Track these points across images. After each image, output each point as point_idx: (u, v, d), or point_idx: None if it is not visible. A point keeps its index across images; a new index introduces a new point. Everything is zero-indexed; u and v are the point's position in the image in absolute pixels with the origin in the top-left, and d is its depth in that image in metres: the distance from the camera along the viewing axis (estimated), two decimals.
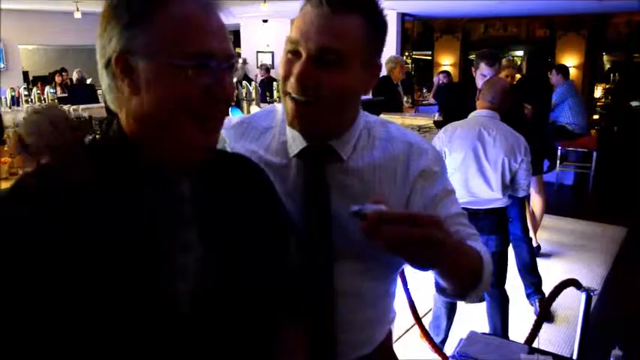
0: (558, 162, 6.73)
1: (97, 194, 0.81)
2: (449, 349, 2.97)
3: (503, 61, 4.50)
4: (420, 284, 3.14)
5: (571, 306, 3.54)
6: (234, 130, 1.24)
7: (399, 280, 2.68)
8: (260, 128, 1.22)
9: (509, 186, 2.91)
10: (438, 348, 2.93)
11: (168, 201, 0.86)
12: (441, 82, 8.83)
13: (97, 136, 0.92)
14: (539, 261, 3.96)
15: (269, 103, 5.42)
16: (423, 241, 0.85)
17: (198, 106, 0.84)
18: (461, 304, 3.20)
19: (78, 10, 9.27)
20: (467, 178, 2.84)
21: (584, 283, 2.23)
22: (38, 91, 4.88)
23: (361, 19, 1.03)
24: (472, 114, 2.95)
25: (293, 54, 1.05)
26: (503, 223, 2.97)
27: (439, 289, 1.17)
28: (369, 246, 0.91)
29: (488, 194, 2.85)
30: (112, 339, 0.79)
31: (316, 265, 1.12)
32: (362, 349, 1.23)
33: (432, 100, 8.92)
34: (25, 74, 11.32)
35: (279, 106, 1.25)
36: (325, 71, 1.03)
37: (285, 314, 1.04)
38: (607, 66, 11.71)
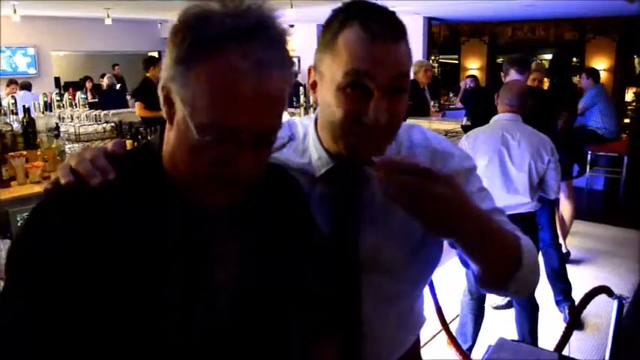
0: (588, 167, 6.62)
1: (124, 206, 0.81)
2: (476, 355, 2.94)
3: (532, 65, 4.45)
4: (448, 290, 3.13)
5: (601, 313, 3.47)
6: None
7: (426, 287, 2.67)
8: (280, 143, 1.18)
9: (538, 189, 2.87)
10: (465, 354, 2.91)
11: (198, 217, 0.85)
12: (468, 86, 8.77)
13: (141, 143, 0.92)
14: (569, 267, 3.90)
15: (295, 108, 5.43)
16: (426, 195, 0.85)
17: (211, 170, 0.79)
18: (488, 311, 3.17)
19: (108, 16, 9.46)
20: (492, 183, 2.80)
21: (615, 290, 2.19)
22: (70, 97, 4.98)
23: (406, 42, 1.02)
24: (494, 118, 2.93)
25: (356, 88, 0.98)
26: (532, 230, 2.93)
27: (476, 278, 1.10)
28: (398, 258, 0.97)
29: (516, 199, 2.82)
30: (137, 348, 0.79)
31: (345, 276, 1.12)
32: (391, 355, 1.24)
33: (459, 105, 8.85)
34: (57, 80, 11.57)
35: (297, 120, 1.23)
36: (395, 101, 1.00)
37: (319, 328, 1.04)
38: (638, 69, 11.46)
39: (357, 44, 0.98)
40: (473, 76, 9.50)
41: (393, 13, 1.02)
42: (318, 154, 1.13)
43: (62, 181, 0.83)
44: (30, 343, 0.76)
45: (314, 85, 1.09)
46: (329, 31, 1.03)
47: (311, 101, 5.02)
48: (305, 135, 1.18)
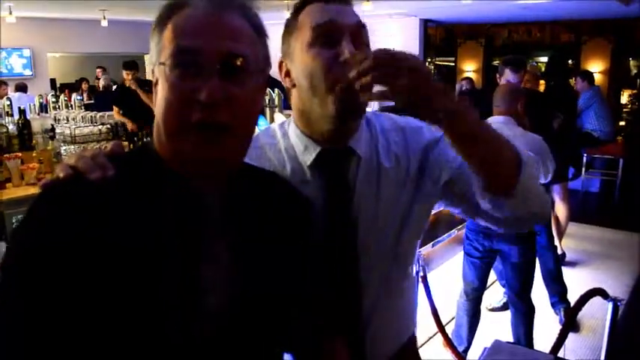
0: (584, 169, 6.64)
1: (122, 202, 0.81)
2: (472, 357, 2.95)
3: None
4: (444, 292, 3.13)
5: (597, 315, 3.49)
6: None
7: (422, 288, 2.68)
8: (265, 145, 1.19)
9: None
10: (461, 356, 2.91)
11: (192, 213, 0.85)
12: (464, 88, 8.79)
13: (139, 145, 0.93)
14: (564, 269, 3.91)
15: (291, 109, 5.43)
16: (398, 67, 0.90)
17: (183, 112, 0.79)
18: (484, 313, 3.17)
19: (105, 18, 9.44)
20: None
21: (610, 292, 2.20)
22: (65, 98, 4.97)
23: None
24: (486, 121, 2.92)
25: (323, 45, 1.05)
26: (527, 233, 2.91)
27: (482, 189, 1.06)
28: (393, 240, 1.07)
29: None
30: (134, 348, 0.79)
31: (342, 267, 1.13)
32: (390, 346, 1.26)
33: None
34: (53, 81, 11.53)
35: (274, 125, 1.26)
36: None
37: (323, 327, 1.03)
38: (633, 71, 11.49)
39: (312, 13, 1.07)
40: (468, 79, 9.52)
41: None
42: (303, 145, 1.14)
43: (60, 175, 0.83)
44: (27, 339, 0.75)
45: (287, 74, 1.13)
46: (290, 18, 1.11)
47: None
48: (284, 134, 1.19)
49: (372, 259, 1.15)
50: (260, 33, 0.87)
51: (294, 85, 1.12)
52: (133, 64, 6.09)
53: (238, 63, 0.81)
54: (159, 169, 0.85)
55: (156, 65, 0.83)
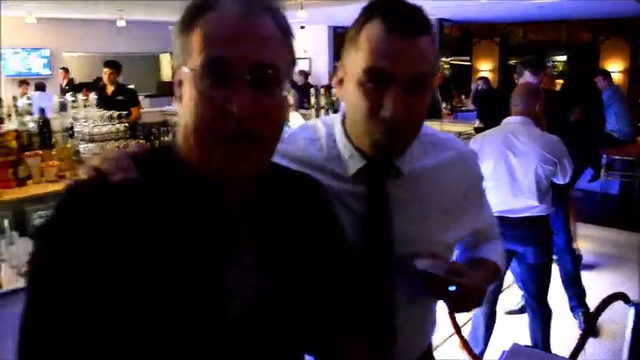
0: (603, 170, 6.56)
1: (147, 204, 0.81)
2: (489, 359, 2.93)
3: None
4: None
5: (617, 320, 3.43)
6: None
7: None
8: (305, 141, 1.19)
9: (548, 192, 2.84)
10: (477, 358, 2.89)
11: (219, 217, 0.85)
12: (480, 87, 8.74)
13: (160, 146, 0.92)
14: (583, 273, 3.86)
15: (307, 109, 5.44)
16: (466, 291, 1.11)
17: (215, 123, 0.78)
18: (501, 316, 3.15)
19: (122, 18, 9.53)
20: (499, 186, 2.78)
21: (630, 295, 2.17)
22: (83, 97, 5.01)
23: (430, 37, 1.03)
24: (503, 121, 2.91)
25: (376, 83, 1.00)
26: (543, 234, 2.90)
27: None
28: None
29: (523, 202, 2.80)
30: (160, 353, 0.79)
31: (376, 278, 1.12)
32: (413, 353, 1.27)
33: (470, 106, 8.82)
34: (71, 81, 11.66)
35: (315, 122, 1.24)
36: (415, 98, 1.01)
37: (344, 330, 1.02)
38: None
39: (376, 39, 1.00)
40: (484, 78, 9.46)
41: (417, 10, 1.02)
42: (349, 153, 1.13)
43: (84, 177, 0.84)
44: (52, 336, 0.76)
45: (341, 82, 1.11)
46: (354, 27, 1.05)
47: (322, 103, 5.02)
48: (330, 134, 1.17)
49: (405, 271, 1.14)
50: (287, 35, 0.85)
51: (337, 99, 1.14)
52: (113, 63, 6.13)
53: (269, 72, 0.80)
54: (184, 172, 0.85)
55: (181, 68, 0.82)
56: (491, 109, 4.58)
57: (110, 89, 6.03)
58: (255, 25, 0.80)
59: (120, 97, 5.87)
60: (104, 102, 5.24)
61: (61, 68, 10.33)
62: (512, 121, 2.88)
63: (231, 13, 0.79)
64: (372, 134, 1.05)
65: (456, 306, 1.15)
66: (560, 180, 2.87)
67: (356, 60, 1.03)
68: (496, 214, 2.58)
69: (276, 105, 0.82)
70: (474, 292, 1.13)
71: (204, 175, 0.84)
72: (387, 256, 1.10)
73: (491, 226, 1.36)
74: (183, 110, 0.83)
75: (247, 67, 0.78)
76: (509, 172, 2.79)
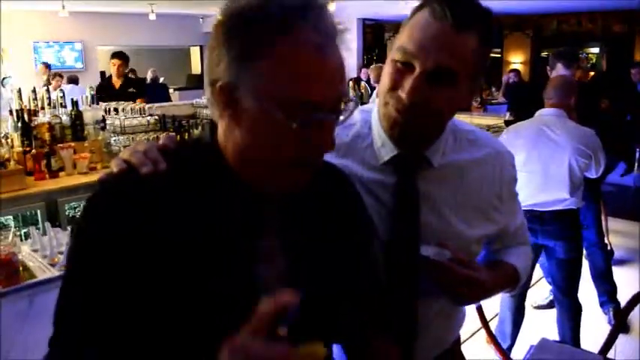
0: (637, 164, 6.40)
1: (178, 197, 0.83)
2: (516, 355, 2.90)
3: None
4: None
5: None
6: None
7: None
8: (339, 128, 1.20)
9: (580, 185, 2.80)
10: (505, 353, 2.87)
11: (250, 213, 0.86)
12: (511, 80, 8.59)
13: (189, 139, 0.92)
14: (613, 268, 3.79)
15: None
16: (468, 282, 1.08)
17: (296, 155, 0.79)
18: (529, 310, 3.11)
19: (153, 12, 9.64)
20: (531, 179, 2.74)
21: None
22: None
23: (478, 37, 0.99)
24: (537, 113, 2.88)
25: (404, 65, 1.01)
26: (574, 228, 2.85)
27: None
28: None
29: (555, 195, 2.76)
30: (190, 348, 0.80)
31: (402, 270, 1.12)
32: (438, 348, 1.26)
33: (501, 99, 8.68)
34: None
35: (355, 111, 1.24)
36: (436, 89, 0.99)
37: (371, 322, 1.03)
38: None
39: (415, 22, 1.01)
40: (516, 71, 9.31)
41: (470, 3, 1.01)
42: (381, 142, 1.13)
43: (115, 170, 0.86)
44: (87, 326, 0.79)
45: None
46: (408, 17, 1.06)
47: (350, 95, 5.01)
48: (366, 120, 1.18)
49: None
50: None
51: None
52: (122, 54, 5.88)
53: (342, 106, 0.81)
54: (222, 171, 0.86)
55: (239, 89, 0.77)
56: (521, 102, 4.51)
57: (118, 82, 5.76)
58: (335, 58, 0.79)
59: (131, 90, 5.60)
60: (110, 95, 5.11)
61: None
62: (546, 113, 2.84)
63: (313, 44, 0.76)
64: (390, 114, 1.05)
65: (455, 298, 1.12)
66: (592, 174, 2.82)
67: (396, 40, 1.04)
68: (527, 208, 2.56)
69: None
70: (476, 286, 1.10)
71: (243, 178, 0.85)
72: (412, 247, 1.10)
73: (520, 230, 1.31)
74: (243, 132, 0.81)
75: (331, 104, 0.79)
76: (542, 164, 2.75)
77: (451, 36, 0.97)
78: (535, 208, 2.74)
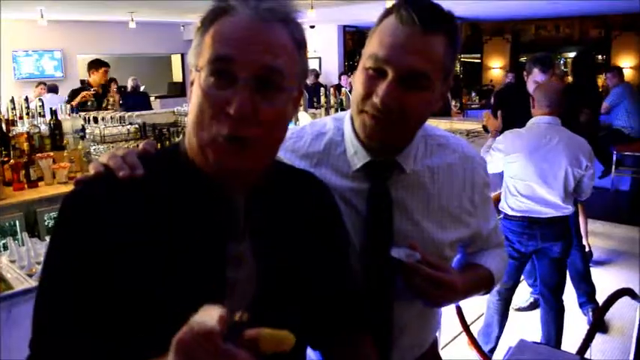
0: (614, 167, 6.51)
1: (149, 200, 0.84)
2: (496, 357, 2.92)
3: None
4: None
5: (625, 316, 3.42)
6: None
7: None
8: (312, 136, 1.21)
9: (574, 193, 2.85)
10: (486, 356, 2.89)
11: (219, 215, 0.87)
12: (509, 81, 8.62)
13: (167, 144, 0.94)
14: (592, 269, 3.84)
15: (317, 109, 5.45)
16: (438, 284, 1.08)
17: (213, 123, 0.80)
18: (510, 312, 3.14)
19: (132, 20, 9.59)
20: (528, 186, 2.79)
21: (638, 292, 2.16)
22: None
23: (446, 39, 1.01)
24: (532, 121, 2.88)
25: (376, 71, 1.02)
26: (567, 234, 2.92)
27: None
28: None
29: (551, 203, 2.80)
30: (155, 345, 0.81)
31: (377, 275, 1.13)
32: (415, 350, 1.27)
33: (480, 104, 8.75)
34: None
35: (326, 119, 1.25)
36: (410, 93, 1.01)
37: (347, 324, 1.04)
38: None
39: (383, 29, 1.03)
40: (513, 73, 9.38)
41: (434, 8, 1.02)
42: (354, 149, 1.14)
43: (92, 171, 0.88)
44: (67, 324, 0.80)
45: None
46: (377, 21, 1.07)
47: (331, 102, 5.03)
48: (338, 128, 1.19)
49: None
50: (301, 46, 0.87)
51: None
52: (103, 62, 5.89)
53: (273, 78, 0.81)
54: (188, 170, 0.87)
55: (193, 68, 0.85)
56: (507, 107, 4.55)
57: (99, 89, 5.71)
58: (267, 32, 0.82)
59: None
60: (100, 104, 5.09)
61: (41, 83, 9.90)
62: (543, 121, 2.84)
63: (245, 18, 0.81)
64: (365, 121, 1.06)
65: (427, 299, 1.11)
66: (585, 183, 2.84)
67: (366, 48, 1.05)
68: (524, 215, 2.60)
69: (276, 110, 0.83)
70: (447, 288, 1.09)
71: (205, 173, 0.86)
72: (386, 252, 1.11)
73: (494, 233, 1.33)
74: (190, 110, 0.85)
75: (251, 69, 0.79)
76: (540, 173, 2.77)
77: (421, 39, 0.99)
78: (532, 215, 2.80)
